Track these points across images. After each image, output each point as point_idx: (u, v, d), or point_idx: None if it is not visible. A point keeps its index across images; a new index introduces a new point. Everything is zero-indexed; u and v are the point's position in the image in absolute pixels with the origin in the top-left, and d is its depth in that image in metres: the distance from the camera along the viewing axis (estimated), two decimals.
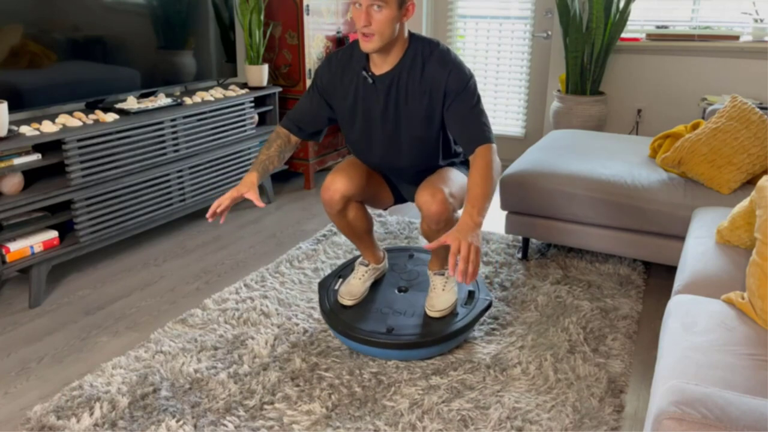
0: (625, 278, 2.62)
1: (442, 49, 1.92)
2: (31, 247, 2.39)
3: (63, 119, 2.56)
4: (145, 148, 2.78)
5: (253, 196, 1.91)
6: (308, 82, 3.67)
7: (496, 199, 3.66)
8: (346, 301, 2.18)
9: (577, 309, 2.37)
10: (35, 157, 2.40)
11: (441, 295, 2.13)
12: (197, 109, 3.01)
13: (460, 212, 2.40)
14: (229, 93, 3.30)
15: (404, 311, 2.14)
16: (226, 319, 2.30)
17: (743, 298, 1.56)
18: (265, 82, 3.52)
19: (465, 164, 2.20)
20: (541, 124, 4.33)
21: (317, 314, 2.34)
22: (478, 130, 1.87)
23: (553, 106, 3.88)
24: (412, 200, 2.24)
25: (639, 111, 3.97)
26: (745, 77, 3.64)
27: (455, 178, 2.05)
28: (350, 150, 2.17)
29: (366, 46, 1.84)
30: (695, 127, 2.66)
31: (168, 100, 2.98)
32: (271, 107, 3.57)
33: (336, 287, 2.29)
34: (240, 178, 3.35)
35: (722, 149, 2.40)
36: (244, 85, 3.53)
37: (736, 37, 3.60)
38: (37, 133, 2.42)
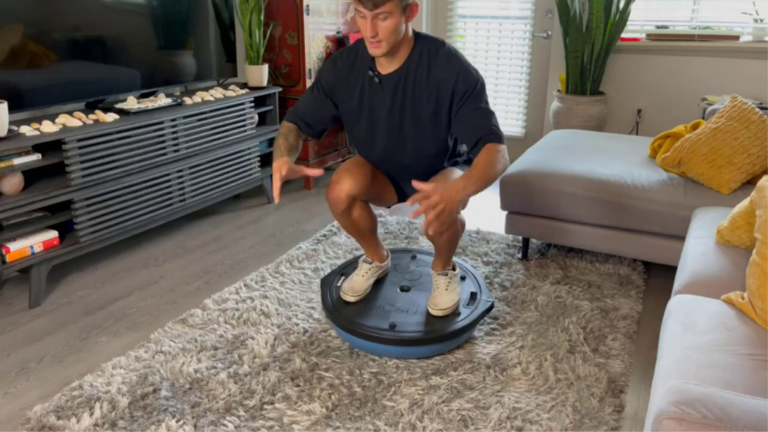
0: (625, 278, 2.62)
1: (447, 49, 1.92)
2: (31, 247, 2.39)
3: (63, 119, 2.56)
4: (145, 148, 2.78)
5: (299, 169, 1.86)
6: (308, 82, 3.67)
7: (496, 198, 3.66)
8: (349, 297, 2.18)
9: (577, 309, 2.37)
10: (35, 157, 2.40)
11: (444, 294, 2.14)
12: (197, 109, 3.01)
13: (461, 213, 2.40)
14: (229, 93, 3.30)
15: (407, 309, 2.15)
16: (226, 319, 2.30)
17: (743, 298, 1.56)
18: (265, 82, 3.52)
19: (468, 164, 2.20)
20: (541, 124, 4.33)
21: (317, 314, 2.34)
22: (488, 131, 1.87)
23: (553, 106, 3.88)
24: None
25: (639, 111, 3.97)
26: (745, 77, 3.63)
27: None
28: (354, 148, 2.17)
29: (375, 51, 1.84)
30: (695, 127, 2.66)
31: (168, 100, 2.97)
32: (271, 107, 3.57)
33: (338, 284, 2.30)
34: (240, 178, 3.35)
35: (722, 149, 2.40)
36: (244, 85, 3.53)
37: (736, 37, 3.60)
38: (37, 133, 2.42)
